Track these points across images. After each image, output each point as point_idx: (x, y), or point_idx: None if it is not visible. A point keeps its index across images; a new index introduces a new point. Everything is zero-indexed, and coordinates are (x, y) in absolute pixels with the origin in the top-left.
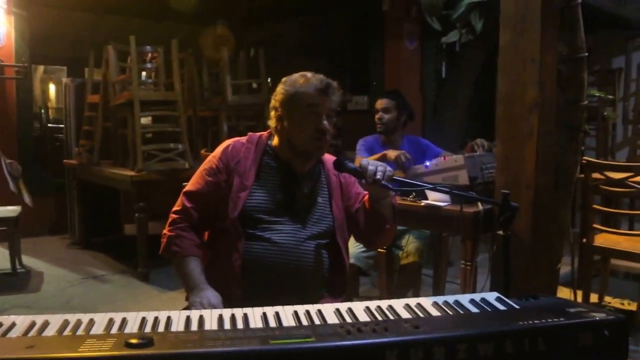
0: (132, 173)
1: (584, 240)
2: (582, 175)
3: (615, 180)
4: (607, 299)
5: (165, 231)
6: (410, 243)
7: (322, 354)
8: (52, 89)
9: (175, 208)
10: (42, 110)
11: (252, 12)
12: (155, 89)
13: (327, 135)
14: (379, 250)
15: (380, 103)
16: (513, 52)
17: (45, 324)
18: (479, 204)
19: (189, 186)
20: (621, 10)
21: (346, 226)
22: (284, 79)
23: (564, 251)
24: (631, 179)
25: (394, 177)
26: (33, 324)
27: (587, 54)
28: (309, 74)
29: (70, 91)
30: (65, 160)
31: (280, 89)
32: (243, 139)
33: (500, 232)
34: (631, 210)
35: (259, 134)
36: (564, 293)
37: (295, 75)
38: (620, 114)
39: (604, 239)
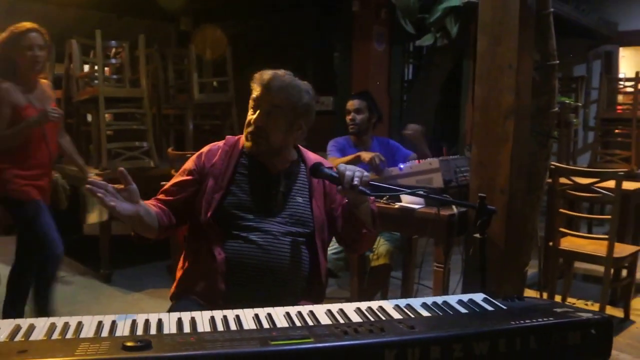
0: (96, 171)
1: (550, 243)
2: (550, 180)
3: (582, 186)
4: (571, 300)
5: None
6: (380, 245)
7: (322, 354)
8: None
9: None
10: None
11: (214, 9)
12: (120, 86)
13: (254, 129)
14: None
15: (352, 104)
16: (490, 58)
17: (32, 328)
18: (454, 207)
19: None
20: (583, 19)
21: (327, 228)
22: None
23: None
24: (597, 185)
25: (370, 182)
26: (18, 328)
27: (557, 61)
28: (270, 71)
29: None
30: None
31: None
32: (221, 142)
33: (477, 235)
34: (590, 214)
35: (237, 136)
36: (529, 295)
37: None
38: (581, 121)
39: (569, 242)
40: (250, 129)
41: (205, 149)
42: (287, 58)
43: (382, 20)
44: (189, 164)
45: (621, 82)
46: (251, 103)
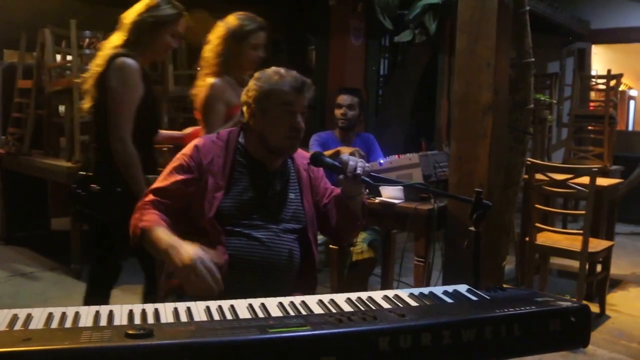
0: (68, 164)
1: (527, 238)
2: (526, 176)
3: (557, 182)
4: None
5: (131, 221)
6: (365, 239)
7: (319, 341)
8: None
9: (140, 201)
10: None
11: (189, 1)
12: None
13: (300, 133)
14: (331, 246)
15: (345, 99)
16: (469, 56)
17: (29, 317)
18: (433, 201)
19: (156, 183)
20: (557, 16)
21: (316, 221)
22: (256, 75)
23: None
24: (571, 181)
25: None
26: (16, 317)
27: (533, 59)
28: (282, 70)
29: None
30: None
31: (253, 84)
32: (212, 136)
33: (472, 229)
34: (564, 209)
35: (227, 130)
36: None
37: (269, 72)
38: (555, 117)
39: (545, 238)
40: (297, 134)
41: (199, 143)
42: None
43: (358, 15)
44: (187, 160)
45: (593, 79)
46: (283, 107)
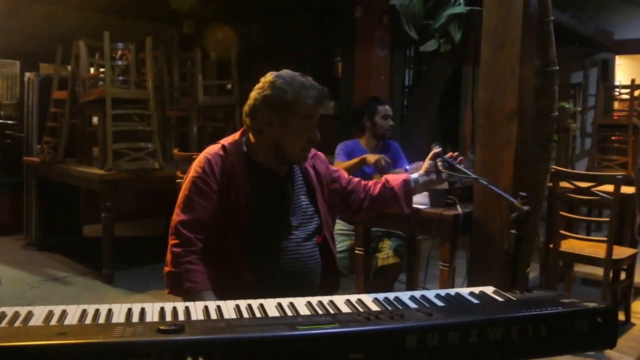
0: (101, 172)
1: (551, 245)
2: (551, 184)
3: (582, 189)
4: None
5: (169, 268)
6: (390, 245)
7: (347, 338)
8: None
9: (173, 241)
10: None
11: (218, 14)
12: (126, 87)
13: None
14: (356, 251)
15: (390, 110)
16: (494, 64)
17: (64, 314)
18: (459, 207)
19: (182, 215)
20: (581, 27)
21: (331, 217)
22: (270, 78)
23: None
24: (595, 188)
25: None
26: (51, 314)
27: (557, 67)
28: (303, 79)
29: (33, 86)
30: (25, 158)
31: (269, 89)
32: (219, 150)
33: (514, 231)
34: (588, 217)
35: (230, 141)
36: None
37: (290, 79)
38: (578, 127)
39: (569, 245)
40: (311, 147)
41: (209, 160)
42: (288, 62)
43: (384, 26)
44: (206, 182)
45: (617, 90)
46: (304, 121)
